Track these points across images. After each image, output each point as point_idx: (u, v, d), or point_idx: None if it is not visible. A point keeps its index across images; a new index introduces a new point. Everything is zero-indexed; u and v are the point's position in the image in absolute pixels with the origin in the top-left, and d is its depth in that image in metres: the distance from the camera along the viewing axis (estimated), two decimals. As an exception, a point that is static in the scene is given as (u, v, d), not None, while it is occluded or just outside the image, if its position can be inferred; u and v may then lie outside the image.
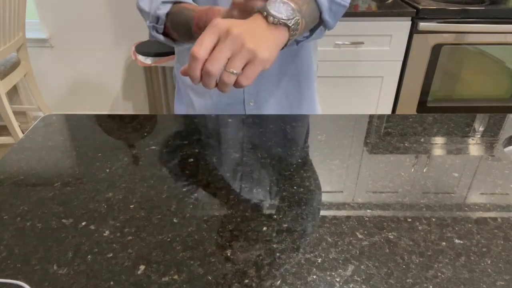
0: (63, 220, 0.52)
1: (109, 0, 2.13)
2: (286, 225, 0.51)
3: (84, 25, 2.20)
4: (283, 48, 0.51)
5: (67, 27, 2.21)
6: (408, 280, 0.44)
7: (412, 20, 1.72)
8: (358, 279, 0.44)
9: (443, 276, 0.44)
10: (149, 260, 0.46)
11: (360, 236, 0.50)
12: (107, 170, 0.62)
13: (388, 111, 1.97)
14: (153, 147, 0.68)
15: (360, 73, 1.86)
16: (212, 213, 0.53)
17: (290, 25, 0.49)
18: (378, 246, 0.48)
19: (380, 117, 0.79)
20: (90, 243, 0.48)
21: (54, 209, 0.54)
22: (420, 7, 1.68)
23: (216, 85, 0.48)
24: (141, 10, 0.71)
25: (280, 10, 0.49)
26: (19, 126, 2.04)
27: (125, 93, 2.44)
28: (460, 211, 0.54)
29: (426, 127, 0.74)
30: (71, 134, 0.72)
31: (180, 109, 0.95)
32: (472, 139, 0.71)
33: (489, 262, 0.46)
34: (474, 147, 0.69)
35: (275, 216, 0.52)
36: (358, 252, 0.47)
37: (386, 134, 0.72)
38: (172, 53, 1.91)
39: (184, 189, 0.57)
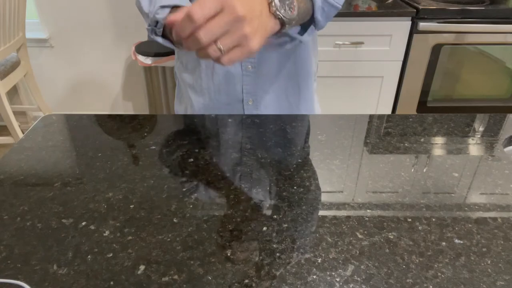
0: (63, 220, 0.52)
1: (109, 0, 2.13)
2: (286, 225, 0.51)
3: (84, 25, 2.20)
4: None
5: (67, 27, 2.21)
6: (408, 280, 0.44)
7: (412, 20, 1.72)
8: (358, 279, 0.44)
9: (443, 276, 0.44)
10: (149, 260, 0.46)
11: (360, 236, 0.50)
12: (107, 170, 0.62)
13: (388, 111, 1.97)
14: (153, 147, 0.68)
15: (360, 73, 1.86)
16: (212, 213, 0.53)
17: (286, 23, 0.50)
18: (378, 246, 0.48)
19: (380, 117, 0.79)
20: (90, 243, 0.48)
21: (54, 209, 0.54)
22: (420, 7, 1.68)
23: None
24: (140, 10, 0.71)
25: (285, 6, 0.49)
26: (19, 126, 2.04)
27: (125, 93, 2.44)
28: (460, 211, 0.54)
29: (426, 127, 0.74)
30: (71, 134, 0.72)
31: (179, 108, 0.95)
32: (472, 139, 0.71)
33: (489, 262, 0.46)
34: (474, 147, 0.69)
35: (275, 216, 0.52)
36: (358, 252, 0.47)
37: (386, 134, 0.72)
38: (172, 53, 1.91)
39: (184, 189, 0.57)
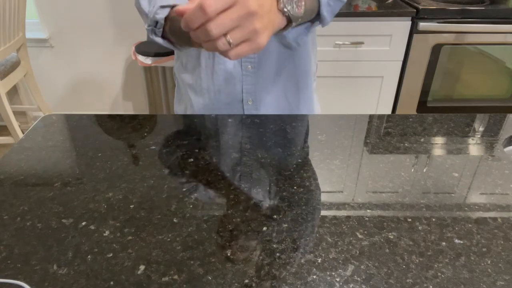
0: (63, 220, 0.52)
1: (109, 0, 2.13)
2: (286, 225, 0.51)
3: (84, 25, 2.20)
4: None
5: (67, 27, 2.21)
6: (408, 280, 0.44)
7: (412, 20, 1.72)
8: (358, 279, 0.44)
9: (443, 276, 0.44)
10: (149, 260, 0.46)
11: (360, 236, 0.50)
12: (107, 170, 0.62)
13: (388, 111, 1.97)
14: (153, 147, 0.68)
15: (360, 73, 1.86)
16: (212, 213, 0.53)
17: (293, 20, 0.50)
18: (378, 246, 0.48)
19: (380, 117, 0.79)
20: (90, 243, 0.48)
21: (54, 209, 0.54)
22: (420, 7, 1.68)
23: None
24: (139, 10, 0.71)
25: (292, 3, 0.49)
26: (19, 126, 2.04)
27: (125, 93, 2.44)
28: (460, 211, 0.54)
29: (426, 127, 0.74)
30: (71, 134, 0.72)
31: (179, 108, 0.95)
32: (472, 139, 0.71)
33: (489, 262, 0.46)
34: (474, 147, 0.69)
35: (275, 216, 0.52)
36: (358, 252, 0.47)
37: (386, 134, 0.72)
38: (172, 53, 1.91)
39: (184, 189, 0.57)
